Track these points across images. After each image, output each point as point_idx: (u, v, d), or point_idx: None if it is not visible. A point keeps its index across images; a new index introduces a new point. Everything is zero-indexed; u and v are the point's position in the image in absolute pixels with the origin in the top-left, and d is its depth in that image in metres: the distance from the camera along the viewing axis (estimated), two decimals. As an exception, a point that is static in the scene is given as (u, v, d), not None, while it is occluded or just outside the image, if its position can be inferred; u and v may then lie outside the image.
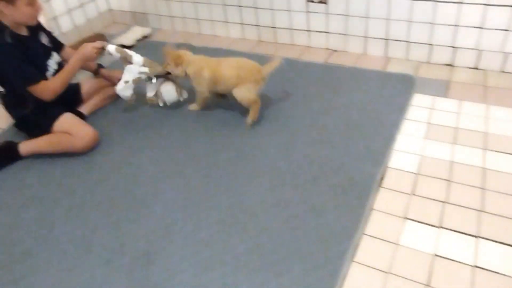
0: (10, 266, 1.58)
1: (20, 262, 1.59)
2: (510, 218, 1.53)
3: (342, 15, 2.61)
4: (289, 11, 2.77)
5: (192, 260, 1.51)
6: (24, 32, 2.00)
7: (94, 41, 2.17)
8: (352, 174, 1.78)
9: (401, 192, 1.69)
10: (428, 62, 2.52)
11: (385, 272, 1.40)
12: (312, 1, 2.64)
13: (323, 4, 2.62)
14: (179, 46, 2.30)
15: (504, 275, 1.35)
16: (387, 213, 1.61)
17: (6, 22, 1.92)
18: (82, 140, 2.05)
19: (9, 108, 2.16)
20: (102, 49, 2.14)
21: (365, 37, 2.63)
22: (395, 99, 2.21)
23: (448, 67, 2.45)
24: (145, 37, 3.25)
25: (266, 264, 1.46)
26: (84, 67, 2.42)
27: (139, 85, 2.27)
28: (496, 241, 1.46)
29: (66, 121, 2.09)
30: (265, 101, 2.33)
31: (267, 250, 1.51)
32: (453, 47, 2.40)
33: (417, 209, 1.61)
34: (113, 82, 2.42)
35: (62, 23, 3.16)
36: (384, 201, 1.67)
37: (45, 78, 2.02)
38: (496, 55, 2.31)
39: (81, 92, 2.37)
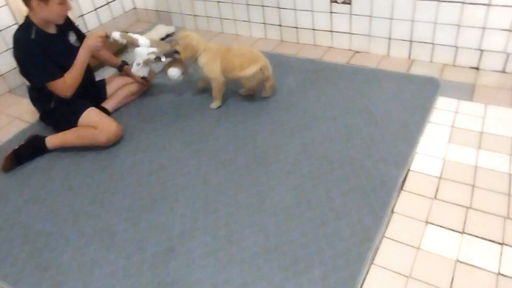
0: (37, 256, 1.63)
1: (45, 253, 1.63)
2: (536, 226, 1.50)
3: (366, 16, 2.59)
4: (312, 11, 2.76)
5: (211, 257, 1.53)
6: (52, 30, 2.04)
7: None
8: (374, 176, 1.77)
9: (423, 195, 1.68)
10: (453, 65, 2.48)
11: (405, 276, 1.39)
12: (336, 2, 2.63)
13: (347, 5, 2.61)
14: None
15: (529, 283, 1.33)
16: (409, 217, 1.60)
17: (35, 19, 1.97)
18: (106, 134, 2.09)
19: (34, 101, 2.23)
20: (107, 37, 2.17)
21: (389, 38, 2.60)
22: (419, 101, 2.18)
23: (474, 70, 2.41)
24: (169, 35, 3.29)
25: (285, 264, 1.47)
26: (109, 63, 2.48)
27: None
28: (521, 249, 1.43)
29: (91, 115, 2.13)
30: (287, 100, 2.33)
31: (287, 250, 1.52)
32: (480, 49, 2.35)
33: (439, 214, 1.59)
34: (137, 79, 2.47)
35: (89, 21, 3.23)
36: (405, 204, 1.65)
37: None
38: (525, 59, 2.26)
39: (106, 88, 2.42)
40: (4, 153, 2.09)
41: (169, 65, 2.31)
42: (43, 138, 2.14)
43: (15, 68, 2.76)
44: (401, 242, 1.51)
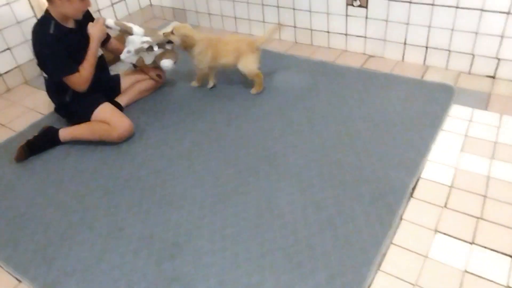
0: (45, 247, 1.65)
1: (54, 244, 1.66)
2: (548, 240, 1.48)
3: (382, 20, 2.57)
4: (328, 13, 2.75)
5: (218, 255, 1.53)
6: (70, 24, 2.07)
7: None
8: (384, 182, 1.76)
9: (433, 204, 1.66)
10: (469, 73, 2.45)
11: (412, 284, 1.38)
12: (352, 5, 2.62)
13: (363, 8, 2.59)
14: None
15: (538, 297, 1.31)
16: (417, 224, 1.58)
17: (54, 13, 1.99)
18: (119, 130, 2.11)
19: (50, 94, 2.26)
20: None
21: (404, 43, 2.58)
22: (432, 108, 2.16)
23: (490, 78, 2.38)
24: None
25: (292, 266, 1.47)
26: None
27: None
28: (531, 262, 1.41)
29: (104, 110, 2.16)
30: (299, 102, 2.33)
31: (293, 251, 1.51)
32: (497, 58, 2.32)
33: (448, 223, 1.57)
34: (151, 76, 2.50)
35: (105, 16, 3.26)
36: (414, 211, 1.64)
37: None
38: (543, 69, 2.23)
39: (120, 84, 2.44)
40: (17, 144, 2.12)
41: (161, 55, 2.35)
42: (57, 130, 2.16)
43: (31, 59, 2.81)
44: (409, 250, 1.49)
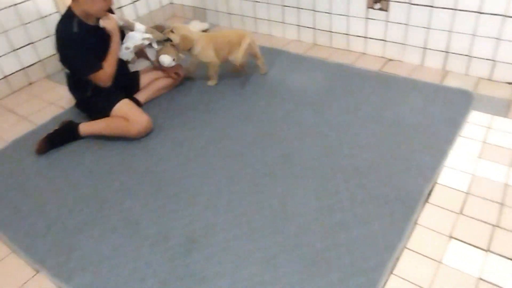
0: (63, 238, 1.69)
1: (72, 235, 1.70)
2: None
3: (402, 24, 2.56)
4: (348, 16, 2.75)
5: (231, 253, 1.55)
6: (92, 22, 2.11)
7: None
8: (399, 186, 1.76)
9: (448, 210, 1.65)
10: (489, 79, 2.42)
11: (425, 289, 1.38)
12: (373, 8, 2.61)
13: (384, 12, 2.58)
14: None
15: (554, 308, 1.29)
16: (432, 230, 1.57)
17: (77, 10, 2.03)
18: (137, 126, 2.15)
19: (72, 89, 2.31)
20: None
21: (424, 48, 2.56)
22: (450, 114, 2.14)
23: (511, 85, 2.34)
24: (203, 31, 3.33)
25: (304, 266, 1.47)
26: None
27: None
28: (548, 272, 1.39)
29: (124, 106, 2.19)
30: (316, 104, 2.33)
31: (306, 252, 1.52)
32: (519, 65, 2.29)
33: (464, 229, 1.56)
34: (169, 74, 2.53)
35: (126, 13, 3.31)
36: (429, 217, 1.63)
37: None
38: None
39: (139, 81, 2.48)
40: (39, 136, 2.17)
41: (160, 52, 2.39)
42: (77, 125, 2.21)
43: (53, 54, 2.87)
44: (423, 255, 1.49)
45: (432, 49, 2.54)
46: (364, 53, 2.83)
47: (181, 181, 1.90)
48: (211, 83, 2.62)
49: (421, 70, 2.59)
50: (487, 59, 2.37)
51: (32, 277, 1.57)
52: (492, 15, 2.23)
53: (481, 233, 1.54)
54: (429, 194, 1.72)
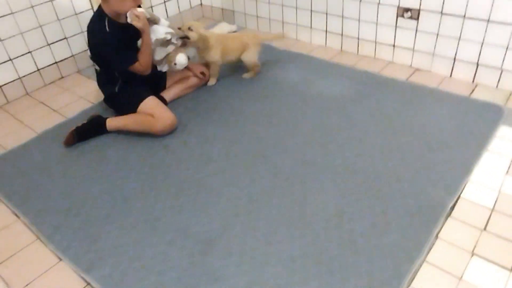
0: (86, 228, 1.73)
1: (94, 227, 1.74)
2: None
3: (432, 33, 2.52)
4: (377, 23, 2.72)
5: (249, 254, 1.56)
6: (122, 20, 2.16)
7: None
8: (422, 198, 1.73)
9: (471, 225, 1.61)
10: (521, 94, 2.36)
11: (444, 305, 1.35)
12: (403, 17, 2.58)
13: (414, 21, 2.55)
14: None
15: None
16: (454, 245, 1.54)
17: (107, 10, 2.09)
18: (162, 123, 2.18)
19: (101, 85, 2.37)
20: None
21: (454, 59, 2.52)
22: (478, 128, 2.10)
23: (543, 101, 2.28)
24: (231, 33, 3.36)
25: (321, 273, 1.47)
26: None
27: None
28: None
29: (150, 103, 2.24)
30: (341, 111, 2.32)
31: (324, 258, 1.52)
32: (553, 81, 2.22)
33: (487, 247, 1.52)
34: (194, 74, 2.57)
35: (156, 13, 3.36)
36: (452, 231, 1.59)
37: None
38: None
39: (166, 79, 2.53)
40: (67, 129, 2.23)
41: (176, 51, 2.40)
42: (104, 119, 2.26)
43: (85, 50, 2.95)
44: (443, 269, 1.46)
45: (462, 61, 2.49)
46: (391, 62, 2.79)
47: (202, 180, 1.93)
48: (210, 83, 2.67)
49: (450, 81, 2.54)
50: (519, 73, 2.32)
51: (54, 265, 1.61)
52: (527, 29, 2.18)
53: (505, 251, 1.50)
54: (453, 208, 1.69)
